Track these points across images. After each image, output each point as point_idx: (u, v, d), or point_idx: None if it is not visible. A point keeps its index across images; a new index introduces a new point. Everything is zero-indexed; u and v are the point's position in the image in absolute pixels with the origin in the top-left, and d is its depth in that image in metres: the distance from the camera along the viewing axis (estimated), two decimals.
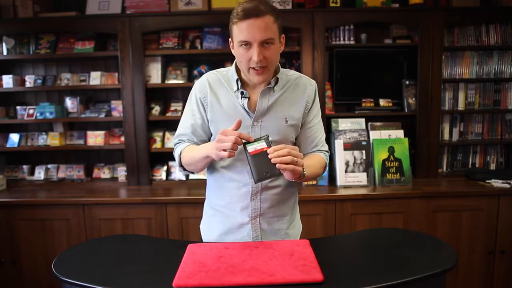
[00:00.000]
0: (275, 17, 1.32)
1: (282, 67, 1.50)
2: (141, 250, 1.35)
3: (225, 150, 1.24)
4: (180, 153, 1.45)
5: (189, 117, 1.49)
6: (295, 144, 1.52)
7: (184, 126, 1.50)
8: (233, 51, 1.40)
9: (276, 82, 1.44)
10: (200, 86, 1.48)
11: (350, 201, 2.55)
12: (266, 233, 1.50)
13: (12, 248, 2.60)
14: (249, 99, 1.43)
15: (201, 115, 1.47)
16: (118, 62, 2.79)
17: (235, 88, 1.43)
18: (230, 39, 1.40)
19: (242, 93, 1.43)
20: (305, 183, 2.74)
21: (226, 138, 1.24)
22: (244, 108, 1.42)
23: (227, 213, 1.50)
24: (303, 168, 1.29)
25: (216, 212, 1.54)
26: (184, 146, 1.46)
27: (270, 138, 1.28)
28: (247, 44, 1.31)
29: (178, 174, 2.96)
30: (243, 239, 1.48)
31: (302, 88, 1.49)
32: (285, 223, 1.53)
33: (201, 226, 1.64)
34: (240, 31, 1.30)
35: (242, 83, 1.44)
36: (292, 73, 1.51)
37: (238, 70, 1.45)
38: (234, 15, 1.32)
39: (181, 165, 1.47)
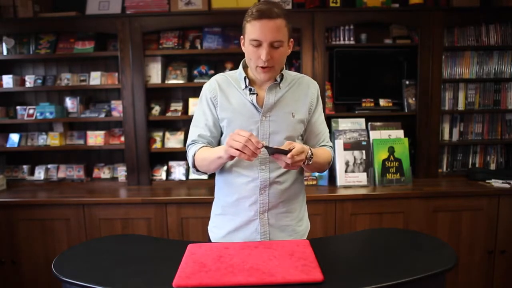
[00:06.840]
0: (287, 21, 1.40)
1: None
2: (141, 250, 1.35)
3: (237, 149, 1.26)
4: (194, 154, 1.47)
5: (201, 116, 1.54)
6: (303, 140, 1.59)
7: (196, 126, 1.54)
8: (243, 48, 1.48)
9: (281, 79, 1.51)
10: (210, 87, 1.54)
11: (350, 201, 2.55)
12: (274, 229, 1.51)
13: (12, 248, 2.59)
14: (257, 95, 1.49)
15: (212, 113, 1.52)
16: (118, 62, 2.79)
17: (243, 86, 1.50)
18: (242, 37, 1.46)
19: (250, 89, 1.49)
20: (305, 182, 2.74)
21: (239, 137, 1.26)
22: (252, 103, 1.48)
23: (236, 211, 1.52)
24: (311, 153, 1.38)
25: (225, 210, 1.56)
26: (198, 147, 1.48)
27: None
28: (257, 43, 1.38)
29: (178, 174, 2.96)
30: (251, 235, 1.50)
31: (305, 86, 1.57)
32: (294, 220, 1.56)
33: (209, 227, 1.65)
34: (253, 29, 1.38)
35: (250, 81, 1.51)
36: (294, 73, 1.61)
37: (245, 70, 1.53)
38: (249, 14, 1.39)
39: (194, 166, 1.49)
